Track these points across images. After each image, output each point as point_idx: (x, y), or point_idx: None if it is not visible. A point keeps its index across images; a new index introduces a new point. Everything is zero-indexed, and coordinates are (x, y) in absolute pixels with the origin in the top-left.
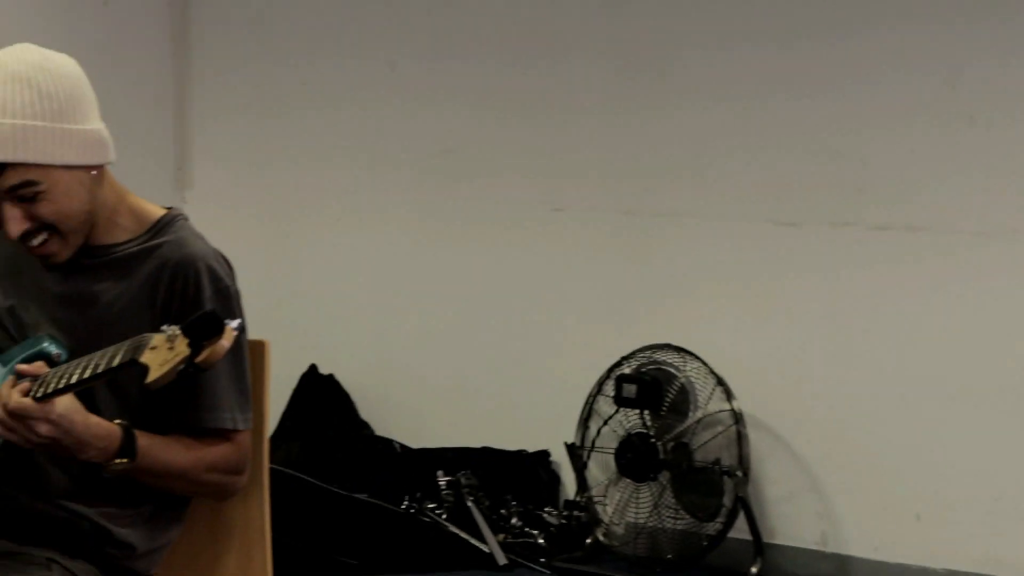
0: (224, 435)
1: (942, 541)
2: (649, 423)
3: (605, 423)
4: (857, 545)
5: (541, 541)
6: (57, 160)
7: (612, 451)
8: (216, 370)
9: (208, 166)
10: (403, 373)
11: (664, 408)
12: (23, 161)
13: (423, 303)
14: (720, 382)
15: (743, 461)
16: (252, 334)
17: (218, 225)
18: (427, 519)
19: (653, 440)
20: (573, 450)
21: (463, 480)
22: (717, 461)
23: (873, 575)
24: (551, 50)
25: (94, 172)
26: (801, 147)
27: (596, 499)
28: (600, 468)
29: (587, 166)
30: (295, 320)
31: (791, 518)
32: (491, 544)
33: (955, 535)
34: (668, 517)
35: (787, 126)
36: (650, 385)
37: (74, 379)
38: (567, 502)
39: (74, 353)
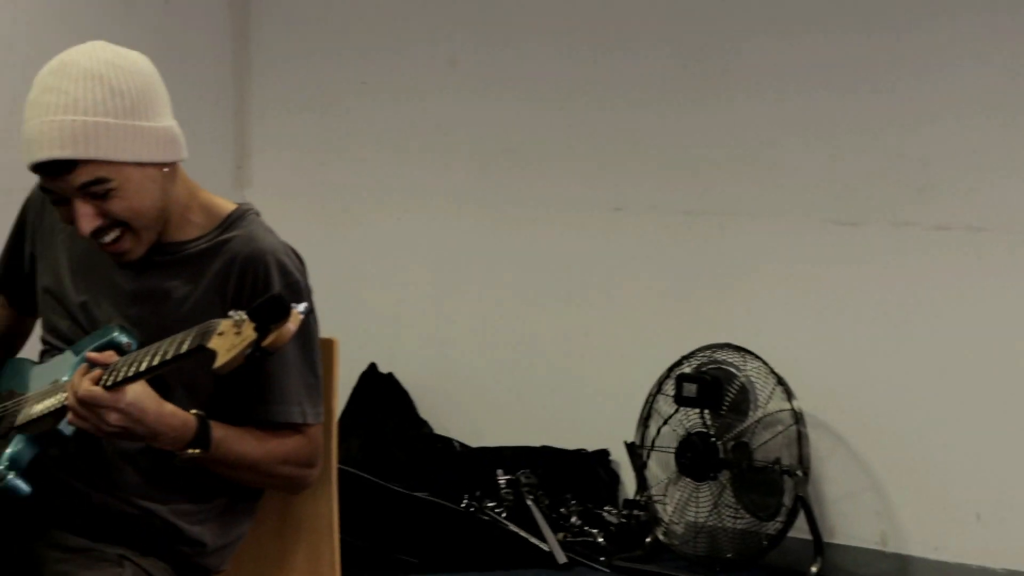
0: (296, 428)
1: (1002, 541)
2: (709, 422)
3: (665, 422)
4: (917, 545)
5: (601, 540)
6: (128, 157)
7: (672, 450)
8: (286, 364)
9: (267, 163)
10: (462, 372)
11: (724, 407)
12: (94, 158)
13: (482, 302)
14: (780, 381)
15: (803, 460)
16: None
17: (277, 222)
18: (487, 518)
19: (713, 439)
20: (633, 449)
21: (523, 479)
22: (777, 460)
23: (933, 575)
24: (612, 46)
25: (166, 169)
26: (862, 145)
27: (656, 498)
28: (660, 467)
29: (647, 165)
30: (355, 319)
31: (851, 517)
32: (551, 543)
33: (1016, 535)
34: (728, 516)
35: (849, 123)
36: (710, 384)
37: (143, 366)
38: (627, 501)
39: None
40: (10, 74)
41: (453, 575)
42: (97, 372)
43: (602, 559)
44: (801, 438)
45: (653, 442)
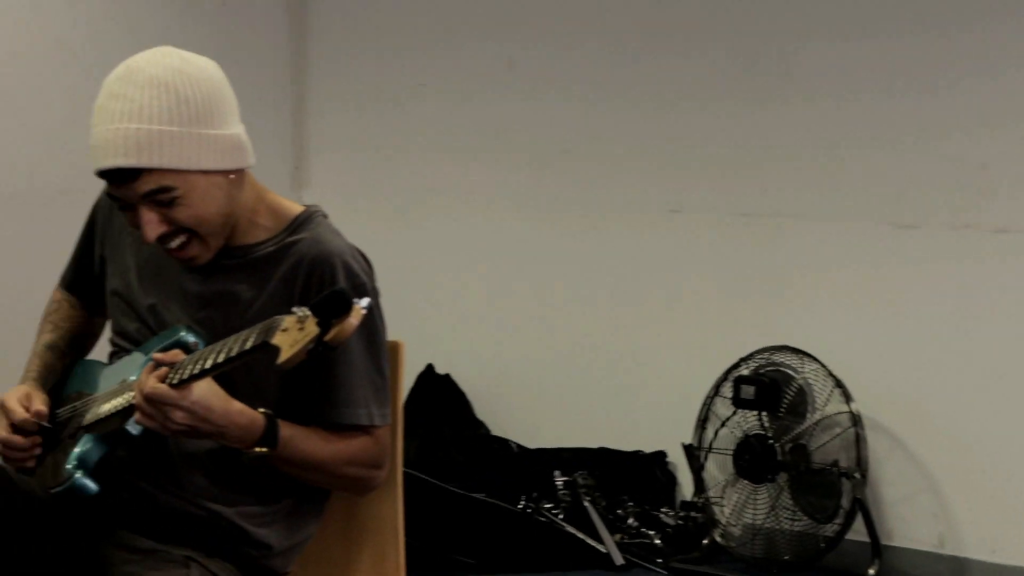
0: (363, 429)
1: None
2: (767, 424)
3: (723, 424)
4: (974, 547)
5: (658, 542)
6: (193, 165)
7: (729, 452)
8: (353, 366)
9: (325, 163)
10: (519, 373)
11: (782, 410)
12: (158, 166)
13: (539, 303)
14: (838, 384)
15: (861, 463)
16: None
17: (333, 222)
18: (544, 519)
19: (771, 442)
20: (691, 451)
21: (580, 480)
22: (835, 463)
23: None
24: (671, 47)
25: (232, 176)
26: (922, 148)
27: (714, 500)
28: (718, 469)
29: (705, 166)
30: (412, 320)
31: (908, 520)
32: (608, 544)
33: None
34: (785, 518)
35: (908, 126)
36: (768, 387)
37: (208, 363)
38: (684, 503)
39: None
40: (70, 76)
41: None
42: (163, 370)
43: (659, 561)
44: (859, 440)
45: (711, 444)
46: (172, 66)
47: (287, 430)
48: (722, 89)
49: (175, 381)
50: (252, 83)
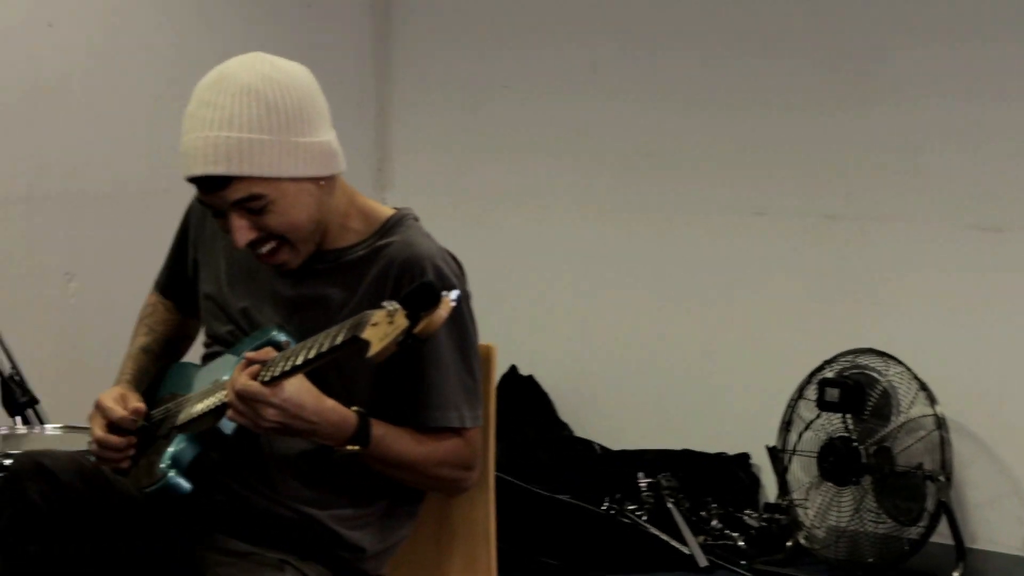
0: (454, 431)
1: None
2: (851, 427)
3: (807, 427)
4: None
5: (741, 544)
6: (283, 173)
7: (814, 455)
8: (444, 368)
9: (409, 164)
10: (603, 374)
11: (866, 412)
12: (248, 175)
13: (623, 304)
14: (923, 387)
15: (946, 466)
16: None
17: None
18: (627, 520)
19: (855, 444)
20: (775, 453)
21: (664, 482)
22: (919, 466)
23: None
24: (755, 50)
25: (322, 183)
26: (1007, 151)
27: (798, 502)
28: (802, 471)
29: (789, 169)
30: (495, 321)
31: (993, 523)
32: (692, 546)
33: None
34: (870, 521)
35: (993, 129)
36: (853, 389)
37: (299, 360)
38: (768, 505)
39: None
40: (155, 79)
41: None
42: (255, 368)
43: (743, 563)
44: (944, 443)
45: (795, 446)
46: (263, 73)
47: (379, 429)
48: (808, 92)
49: (267, 378)
50: (335, 84)
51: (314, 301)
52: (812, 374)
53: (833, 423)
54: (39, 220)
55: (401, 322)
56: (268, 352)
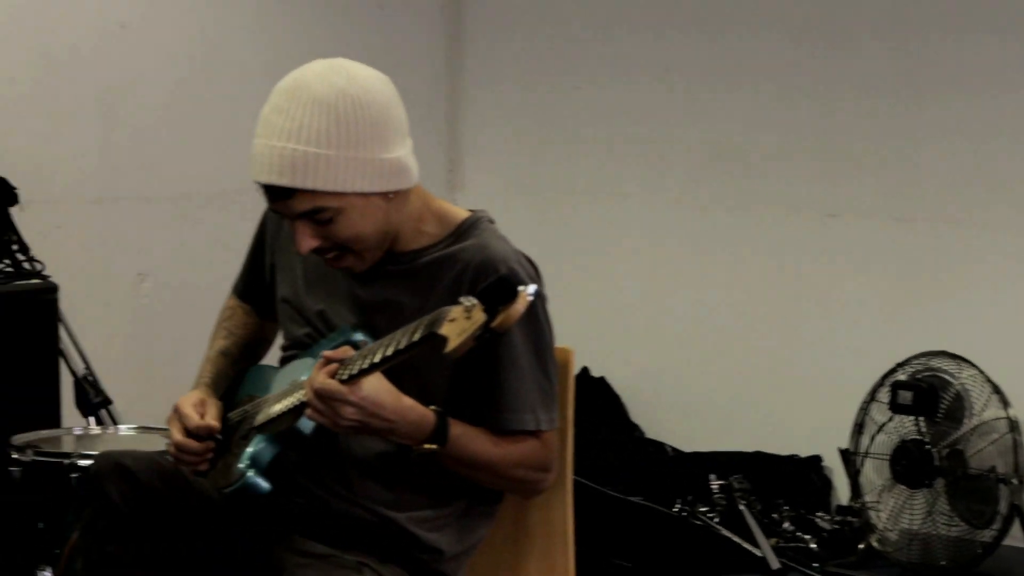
0: (531, 433)
1: None
2: (924, 430)
3: (880, 429)
4: None
5: (814, 546)
6: (348, 188)
7: (886, 457)
8: (520, 370)
9: (480, 166)
10: (674, 376)
11: (939, 415)
12: (312, 188)
13: (695, 306)
14: (996, 389)
15: (1019, 469)
16: None
17: None
18: (699, 522)
19: (928, 447)
20: (847, 456)
21: (735, 484)
22: (992, 468)
23: None
24: (830, 48)
25: (391, 196)
26: None
27: (870, 505)
28: (874, 474)
29: (862, 171)
30: (567, 323)
31: None
32: (764, 548)
33: None
34: (942, 524)
35: None
36: (926, 392)
37: (377, 358)
38: (840, 507)
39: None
40: (227, 79)
41: None
42: (333, 367)
43: (815, 565)
44: (1017, 446)
45: (867, 449)
46: (338, 86)
47: (457, 428)
48: (882, 93)
49: (345, 377)
50: (407, 85)
51: (389, 304)
52: (884, 376)
53: (906, 426)
54: (112, 221)
55: (479, 317)
56: (346, 351)
